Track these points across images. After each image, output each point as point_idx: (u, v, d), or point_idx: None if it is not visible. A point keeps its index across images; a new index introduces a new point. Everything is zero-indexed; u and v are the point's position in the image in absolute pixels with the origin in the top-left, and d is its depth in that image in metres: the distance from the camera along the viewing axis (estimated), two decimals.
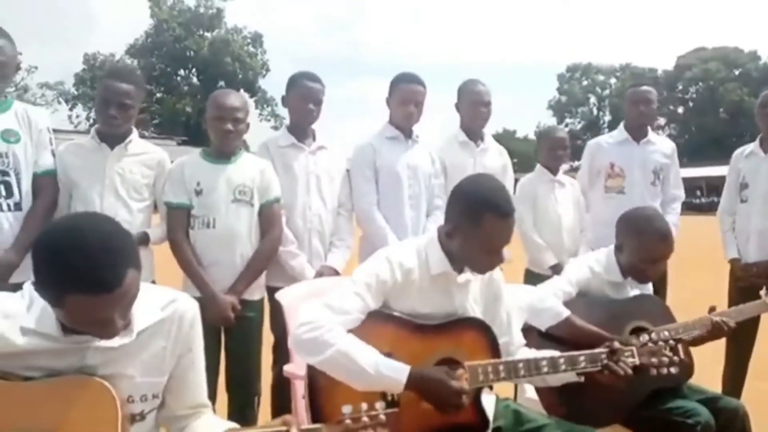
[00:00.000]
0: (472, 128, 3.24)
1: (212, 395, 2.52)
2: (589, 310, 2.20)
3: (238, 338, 2.52)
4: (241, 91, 41.91)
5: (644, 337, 2.01)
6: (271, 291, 2.57)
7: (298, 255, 2.70)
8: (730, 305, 3.24)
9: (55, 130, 2.38)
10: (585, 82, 57.08)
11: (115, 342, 1.28)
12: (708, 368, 3.36)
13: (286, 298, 2.27)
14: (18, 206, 2.19)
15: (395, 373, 1.56)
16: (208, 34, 41.62)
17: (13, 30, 2.21)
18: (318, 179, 2.79)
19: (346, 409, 1.35)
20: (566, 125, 56.36)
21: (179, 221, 2.44)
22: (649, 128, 3.47)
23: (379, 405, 1.37)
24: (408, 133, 3.01)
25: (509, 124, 61.88)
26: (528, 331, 2.18)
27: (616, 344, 1.86)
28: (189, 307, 1.45)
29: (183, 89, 41.31)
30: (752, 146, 3.27)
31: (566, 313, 2.12)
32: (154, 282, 2.51)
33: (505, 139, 54.53)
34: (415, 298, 1.75)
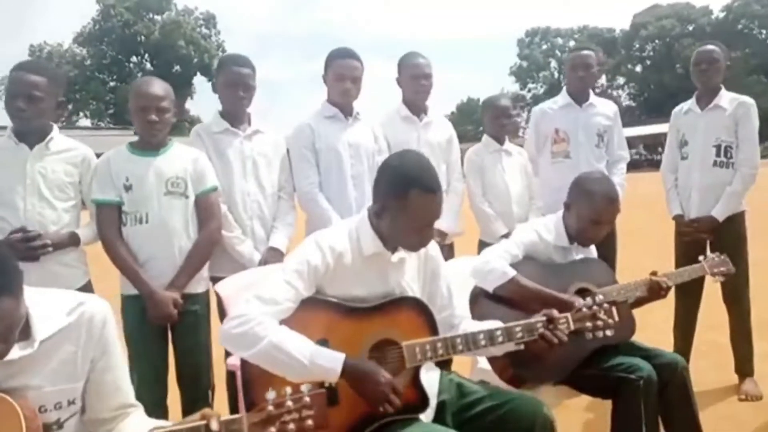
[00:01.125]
0: (414, 102, 3.20)
1: (164, 391, 2.49)
2: (534, 272, 2.24)
3: (185, 333, 2.47)
4: (198, 74, 40.94)
5: (589, 300, 2.02)
6: (216, 281, 2.51)
7: (245, 240, 2.65)
8: (676, 260, 3.33)
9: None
10: (544, 46, 57.31)
11: (15, 354, 1.24)
12: (662, 327, 3.47)
13: (225, 290, 2.22)
14: None
15: (330, 362, 1.54)
16: (158, 18, 40.28)
17: None
18: (255, 164, 2.72)
19: (270, 394, 1.31)
20: (529, 90, 56.81)
21: (110, 219, 2.35)
22: (591, 92, 3.48)
23: (305, 387, 1.34)
24: (348, 111, 2.95)
25: (474, 94, 61.89)
26: (476, 296, 2.20)
27: (554, 313, 1.87)
28: (98, 309, 1.40)
29: (137, 76, 39.99)
30: (689, 103, 3.31)
31: (512, 272, 2.15)
32: (89, 283, 2.43)
33: (469, 108, 54.68)
34: (349, 281, 1.73)
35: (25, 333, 1.26)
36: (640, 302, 2.36)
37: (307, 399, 1.31)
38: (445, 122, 3.35)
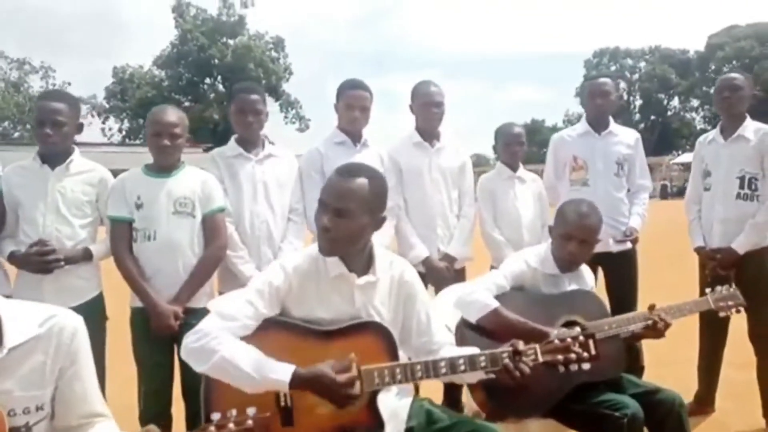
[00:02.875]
0: (426, 129, 3.25)
1: (168, 401, 2.61)
2: (521, 303, 2.23)
3: None
4: (267, 95, 42.53)
5: (563, 332, 2.00)
6: None
7: (248, 261, 2.76)
8: (700, 295, 3.18)
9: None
10: (613, 67, 55.71)
11: None
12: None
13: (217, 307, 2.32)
14: None
15: (278, 374, 1.60)
16: (231, 42, 42.16)
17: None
18: (265, 186, 2.84)
19: (215, 416, 1.38)
20: None
21: (121, 235, 2.52)
22: (611, 119, 3.43)
23: (251, 410, 1.40)
24: (356, 138, 3.07)
25: (538, 114, 60.71)
26: (461, 326, 2.20)
27: (520, 345, 1.85)
28: (69, 322, 1.50)
29: (209, 97, 41.98)
30: (714, 133, 3.19)
31: (494, 304, 2.14)
32: (101, 294, 2.60)
33: (533, 129, 53.74)
34: (314, 303, 1.79)
35: None
36: (637, 337, 2.30)
37: (250, 422, 1.37)
38: (458, 149, 3.37)
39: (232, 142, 2.92)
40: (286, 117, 42.91)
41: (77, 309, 2.42)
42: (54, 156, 2.48)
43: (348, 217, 1.72)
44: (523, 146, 3.38)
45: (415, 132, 3.27)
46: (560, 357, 1.85)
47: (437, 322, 2.00)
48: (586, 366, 1.89)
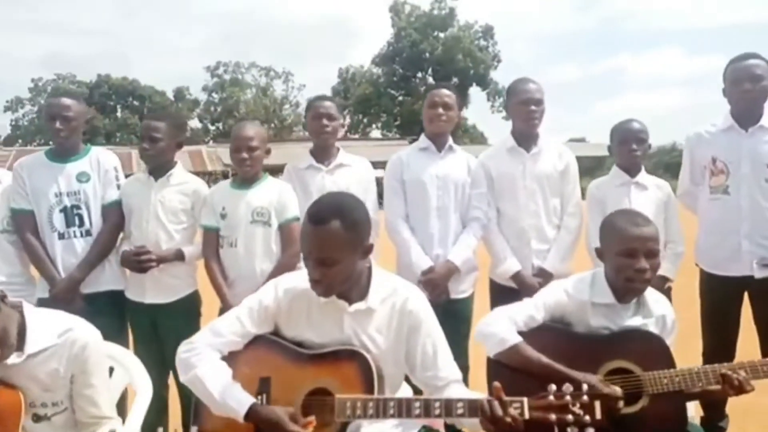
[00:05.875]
0: (524, 131, 2.97)
1: None
2: (557, 341, 1.95)
3: None
4: (473, 85, 42.78)
5: (566, 387, 1.63)
6: None
7: None
8: None
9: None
10: None
11: (8, 361, 1.68)
12: None
13: None
14: (88, 233, 2.78)
15: (237, 404, 1.67)
16: (441, 35, 43.16)
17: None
18: None
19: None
20: None
21: (210, 241, 2.80)
22: (764, 112, 2.74)
23: (193, 429, 1.49)
24: (441, 144, 2.98)
25: None
26: (490, 358, 1.99)
27: (503, 395, 1.60)
28: (82, 335, 1.77)
29: (420, 90, 43.58)
30: None
31: (513, 340, 1.89)
32: (196, 292, 2.92)
33: None
34: (304, 325, 1.80)
35: (21, 344, 1.70)
36: (703, 395, 1.85)
37: None
38: (559, 152, 3.02)
39: (306, 153, 3.05)
40: (492, 105, 42.63)
41: (172, 304, 2.82)
42: (158, 168, 2.85)
43: (333, 264, 1.67)
44: (643, 145, 2.88)
45: (509, 137, 3.03)
46: (553, 416, 1.55)
47: (446, 357, 1.84)
48: (591, 431, 1.56)
